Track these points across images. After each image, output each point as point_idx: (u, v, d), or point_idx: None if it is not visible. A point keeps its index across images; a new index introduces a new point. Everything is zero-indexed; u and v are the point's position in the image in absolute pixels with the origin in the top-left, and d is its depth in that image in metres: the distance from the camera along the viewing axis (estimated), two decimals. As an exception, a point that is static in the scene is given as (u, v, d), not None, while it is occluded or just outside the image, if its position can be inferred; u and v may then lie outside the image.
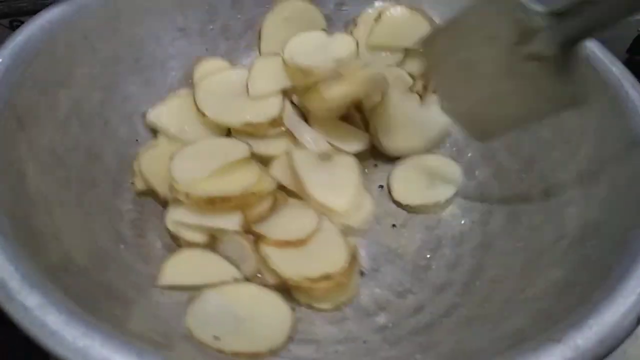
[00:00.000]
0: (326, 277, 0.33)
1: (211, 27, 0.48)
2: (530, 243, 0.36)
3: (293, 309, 0.34)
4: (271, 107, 0.42)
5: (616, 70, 0.38)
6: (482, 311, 0.33)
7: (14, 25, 0.48)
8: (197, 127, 0.43)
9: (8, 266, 0.24)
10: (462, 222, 0.41)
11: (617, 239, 0.29)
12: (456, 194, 0.42)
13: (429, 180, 0.43)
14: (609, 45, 0.42)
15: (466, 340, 0.30)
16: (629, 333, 0.24)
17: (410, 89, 0.47)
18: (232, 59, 0.50)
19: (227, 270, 0.35)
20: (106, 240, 0.35)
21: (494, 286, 0.35)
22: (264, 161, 0.41)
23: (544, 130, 0.41)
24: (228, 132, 0.43)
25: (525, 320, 0.29)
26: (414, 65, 0.48)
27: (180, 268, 0.35)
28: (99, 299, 0.28)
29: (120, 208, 0.39)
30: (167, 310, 0.32)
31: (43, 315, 0.22)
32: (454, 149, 0.47)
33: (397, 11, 0.48)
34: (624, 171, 0.34)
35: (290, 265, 0.34)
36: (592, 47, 0.40)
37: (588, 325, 0.23)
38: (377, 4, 0.50)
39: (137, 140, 0.44)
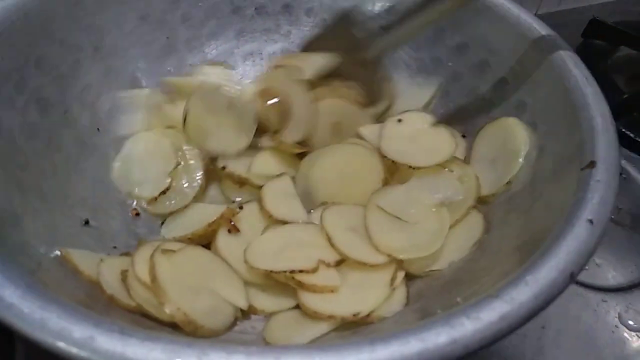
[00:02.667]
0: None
1: (172, 15, 0.49)
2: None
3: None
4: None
5: (561, 50, 0.40)
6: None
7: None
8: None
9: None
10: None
11: (557, 206, 0.31)
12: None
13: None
14: (564, 30, 0.44)
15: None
16: (562, 289, 0.25)
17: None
18: (195, 47, 0.50)
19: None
20: (66, 226, 0.35)
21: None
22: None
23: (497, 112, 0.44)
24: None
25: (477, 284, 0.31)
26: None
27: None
28: (58, 279, 0.29)
29: (83, 195, 0.39)
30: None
31: (0, 290, 0.23)
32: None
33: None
34: (566, 144, 0.36)
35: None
36: (540, 30, 0.42)
37: (524, 282, 0.25)
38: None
39: (98, 129, 0.44)
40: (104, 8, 0.45)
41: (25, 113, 0.37)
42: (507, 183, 0.40)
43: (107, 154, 0.44)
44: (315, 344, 0.24)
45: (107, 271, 0.32)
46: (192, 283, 0.33)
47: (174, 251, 0.33)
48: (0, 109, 0.35)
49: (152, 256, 0.32)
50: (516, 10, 0.44)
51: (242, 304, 0.34)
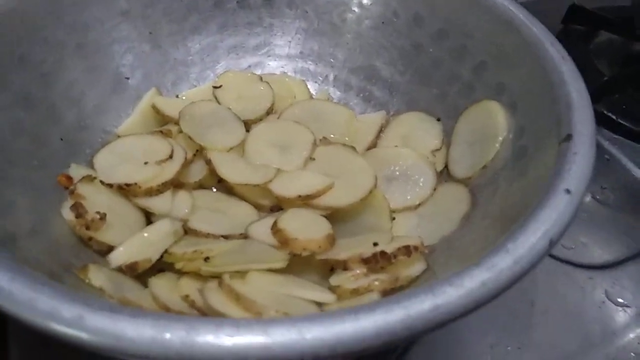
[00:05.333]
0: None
1: (153, 9, 0.49)
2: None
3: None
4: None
5: (536, 30, 0.41)
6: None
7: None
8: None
9: (-48, 233, 0.24)
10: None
11: (537, 179, 0.32)
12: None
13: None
14: (544, 16, 0.45)
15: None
16: (542, 255, 0.26)
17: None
18: (178, 41, 0.50)
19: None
20: (53, 221, 0.36)
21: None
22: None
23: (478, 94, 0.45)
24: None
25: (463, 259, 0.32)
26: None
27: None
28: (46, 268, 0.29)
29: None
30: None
31: (-11, 275, 0.23)
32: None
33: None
34: (544, 121, 0.36)
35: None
36: (516, 12, 0.43)
37: (505, 250, 0.26)
38: None
39: (84, 126, 0.44)
40: (85, 4, 0.45)
41: (10, 110, 0.38)
42: (483, 167, 0.41)
43: (94, 150, 0.44)
44: (305, 315, 0.25)
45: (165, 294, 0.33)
46: (274, 292, 0.33)
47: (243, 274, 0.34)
48: (-15, 105, 0.35)
49: (223, 284, 0.32)
50: (492, -6, 0.45)
51: (329, 298, 0.34)
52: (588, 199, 0.56)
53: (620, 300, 0.48)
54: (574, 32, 0.75)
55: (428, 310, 0.23)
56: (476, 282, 0.24)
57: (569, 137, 0.32)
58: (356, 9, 0.53)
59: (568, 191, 0.29)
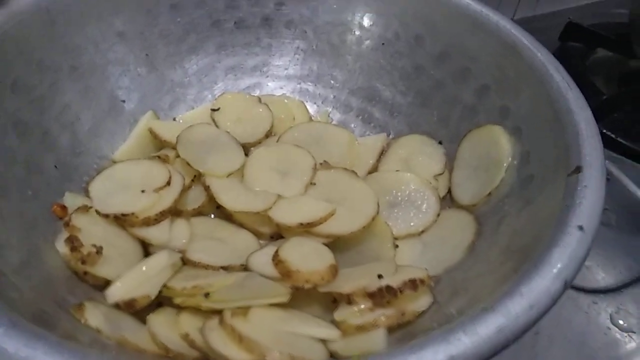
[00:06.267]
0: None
1: (150, 31, 0.48)
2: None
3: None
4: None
5: (541, 56, 0.40)
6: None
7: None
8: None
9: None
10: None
11: (546, 211, 0.31)
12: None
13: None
14: (541, 34, 0.45)
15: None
16: (557, 297, 0.25)
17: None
18: (175, 62, 0.50)
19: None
20: (45, 254, 0.35)
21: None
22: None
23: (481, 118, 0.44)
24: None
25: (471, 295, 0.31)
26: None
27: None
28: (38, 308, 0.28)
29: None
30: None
31: (-19, 328, 0.22)
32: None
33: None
34: (551, 149, 0.36)
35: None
36: (519, 36, 0.43)
37: (519, 293, 0.25)
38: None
39: (79, 151, 0.43)
40: (80, 26, 0.44)
41: (3, 138, 0.36)
42: (488, 194, 0.40)
43: (89, 176, 0.43)
44: None
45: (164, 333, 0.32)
46: (278, 330, 0.32)
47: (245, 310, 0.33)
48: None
49: (224, 323, 0.31)
50: (495, 17, 0.44)
51: (334, 335, 0.33)
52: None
53: (625, 325, 0.47)
54: (571, 50, 0.75)
55: (443, 361, 0.22)
56: (492, 329, 0.23)
57: (578, 169, 0.31)
58: (356, 30, 0.52)
59: (581, 228, 0.28)
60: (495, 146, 0.42)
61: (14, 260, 0.32)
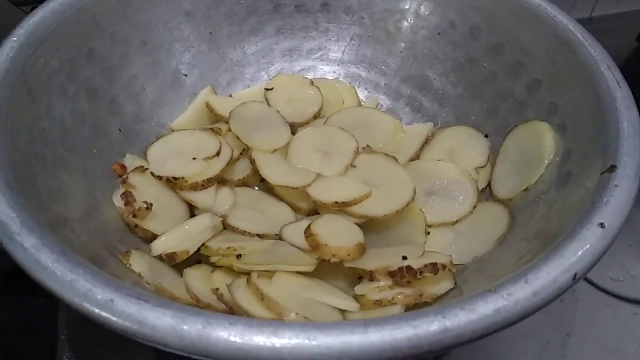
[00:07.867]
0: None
1: (216, 11, 0.51)
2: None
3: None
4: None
5: (594, 53, 0.39)
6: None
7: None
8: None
9: (10, 213, 0.27)
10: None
11: (574, 208, 0.31)
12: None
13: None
14: (619, 33, 0.43)
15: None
16: (564, 289, 0.26)
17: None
18: (236, 42, 0.53)
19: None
20: (104, 206, 0.39)
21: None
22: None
23: (529, 112, 0.44)
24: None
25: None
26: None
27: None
28: (92, 251, 0.32)
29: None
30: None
31: (37, 254, 0.26)
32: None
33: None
34: (590, 147, 0.35)
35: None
36: (575, 32, 0.42)
37: (524, 280, 0.25)
38: None
39: (142, 119, 0.47)
40: (152, 5, 0.48)
41: (75, 101, 0.41)
42: (525, 189, 0.40)
43: (149, 141, 0.47)
44: (316, 322, 0.26)
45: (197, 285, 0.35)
46: (299, 295, 0.34)
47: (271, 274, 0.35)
48: (53, 96, 0.38)
49: (250, 283, 0.34)
50: (552, 11, 0.43)
51: (352, 306, 0.35)
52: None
53: (666, 340, 0.46)
54: (648, 51, 0.71)
55: (436, 332, 0.23)
56: (489, 309, 0.24)
57: (612, 168, 0.31)
58: (412, 18, 0.53)
59: (602, 225, 0.28)
60: (539, 142, 0.42)
61: (77, 209, 0.36)
